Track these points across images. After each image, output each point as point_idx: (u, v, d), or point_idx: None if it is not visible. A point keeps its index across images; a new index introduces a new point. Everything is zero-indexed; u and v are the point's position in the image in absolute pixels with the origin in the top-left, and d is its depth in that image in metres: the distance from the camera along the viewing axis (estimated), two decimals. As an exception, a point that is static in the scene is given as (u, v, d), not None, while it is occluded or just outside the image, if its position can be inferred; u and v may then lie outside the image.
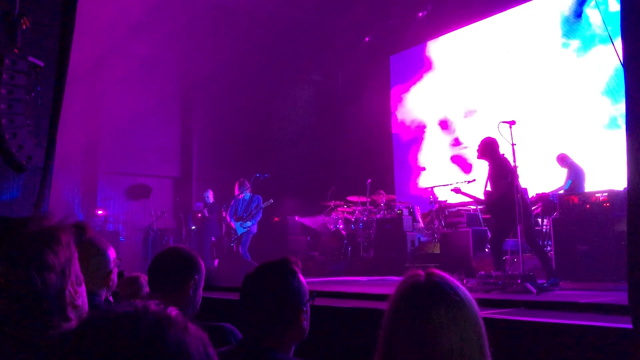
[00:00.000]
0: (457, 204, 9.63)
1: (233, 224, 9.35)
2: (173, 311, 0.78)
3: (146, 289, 2.98)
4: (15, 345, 1.03)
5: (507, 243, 6.69)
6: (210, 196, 11.18)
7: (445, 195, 10.06)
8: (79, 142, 11.59)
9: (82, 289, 1.23)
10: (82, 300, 1.21)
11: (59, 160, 5.06)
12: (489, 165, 6.47)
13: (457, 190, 6.90)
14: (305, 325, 1.87)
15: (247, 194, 9.46)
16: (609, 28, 6.06)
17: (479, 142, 6.57)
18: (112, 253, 2.60)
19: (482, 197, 6.59)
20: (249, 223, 9.30)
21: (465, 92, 11.92)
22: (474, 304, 1.29)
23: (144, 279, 3.02)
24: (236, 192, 9.55)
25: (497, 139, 6.44)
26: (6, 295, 1.05)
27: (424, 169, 12.48)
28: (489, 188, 6.49)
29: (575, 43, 10.21)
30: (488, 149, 6.45)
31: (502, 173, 6.24)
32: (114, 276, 2.62)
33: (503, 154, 6.40)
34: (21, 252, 1.09)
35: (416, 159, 12.76)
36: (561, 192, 7.77)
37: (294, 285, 1.87)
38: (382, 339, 1.30)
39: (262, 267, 1.93)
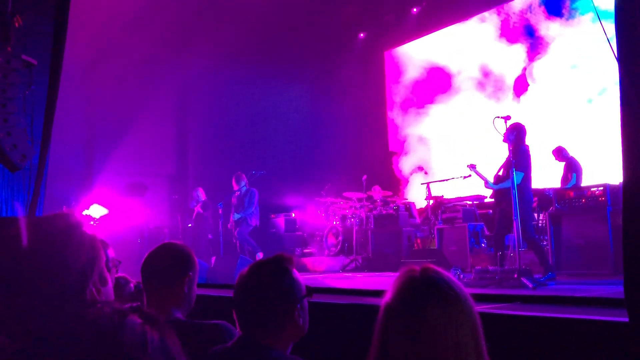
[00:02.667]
0: (453, 199, 9.64)
1: (232, 218, 9.46)
2: (126, 328, 0.75)
3: (128, 289, 2.96)
4: (29, 335, 1.06)
5: (505, 237, 6.66)
6: (201, 194, 11.17)
7: (441, 191, 10.07)
8: (74, 140, 11.55)
9: (107, 289, 1.26)
10: (107, 299, 1.24)
11: (53, 158, 5.04)
12: (509, 150, 6.20)
13: (472, 167, 6.73)
14: (300, 322, 1.86)
15: (244, 188, 9.49)
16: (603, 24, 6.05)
17: (507, 126, 6.19)
18: (110, 252, 2.57)
19: (492, 180, 6.47)
20: (237, 215, 9.36)
21: (463, 85, 11.92)
22: (469, 299, 1.29)
23: (124, 279, 3.00)
24: (234, 187, 9.56)
25: (525, 127, 6.33)
26: (28, 292, 1.09)
27: (420, 166, 12.48)
28: (501, 173, 6.39)
29: (572, 35, 10.22)
30: (515, 133, 6.28)
31: (520, 163, 6.18)
32: (111, 277, 2.59)
33: (527, 145, 6.32)
34: (43, 251, 1.11)
35: (411, 155, 12.76)
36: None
37: (285, 282, 1.86)
38: (378, 334, 1.30)
39: (254, 265, 1.92)
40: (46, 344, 0.77)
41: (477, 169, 6.71)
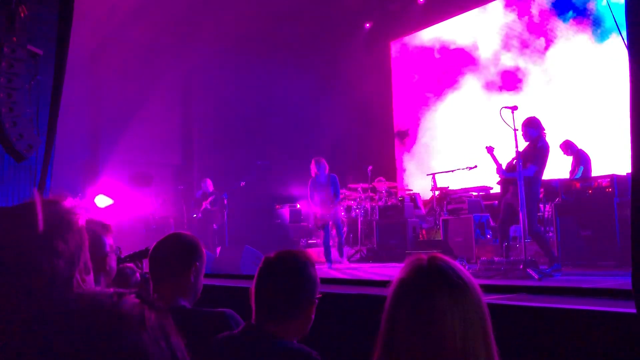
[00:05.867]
0: (458, 190, 9.62)
1: (317, 208, 8.80)
2: (125, 305, 0.75)
3: (134, 278, 2.95)
4: (16, 322, 1.03)
5: (511, 229, 6.60)
6: (209, 185, 11.16)
7: (446, 181, 10.05)
8: (80, 130, 11.57)
9: (90, 277, 1.24)
10: (90, 288, 1.22)
11: (59, 149, 5.05)
12: (528, 144, 6.17)
13: (490, 149, 6.61)
14: (312, 317, 1.89)
15: (324, 175, 8.89)
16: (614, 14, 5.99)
17: (524, 119, 6.19)
18: (108, 239, 2.55)
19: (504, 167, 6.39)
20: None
21: (469, 75, 11.86)
22: (477, 288, 1.28)
23: (130, 269, 3.00)
24: (313, 171, 8.99)
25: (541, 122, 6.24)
26: (16, 279, 1.06)
27: (425, 157, 12.45)
28: (515, 162, 6.31)
29: (580, 27, 10.14)
30: (534, 128, 6.20)
31: (537, 157, 6.12)
32: (111, 261, 2.57)
33: (547, 142, 6.22)
34: (32, 238, 1.09)
35: (416, 145, 12.72)
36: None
37: (312, 274, 1.90)
38: (384, 323, 1.29)
39: (283, 253, 1.95)
40: (36, 332, 0.75)
41: (494, 152, 6.58)
